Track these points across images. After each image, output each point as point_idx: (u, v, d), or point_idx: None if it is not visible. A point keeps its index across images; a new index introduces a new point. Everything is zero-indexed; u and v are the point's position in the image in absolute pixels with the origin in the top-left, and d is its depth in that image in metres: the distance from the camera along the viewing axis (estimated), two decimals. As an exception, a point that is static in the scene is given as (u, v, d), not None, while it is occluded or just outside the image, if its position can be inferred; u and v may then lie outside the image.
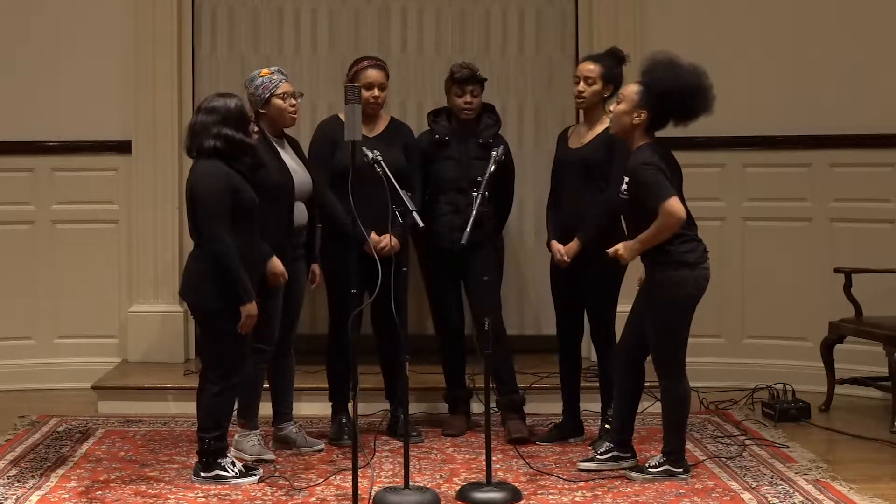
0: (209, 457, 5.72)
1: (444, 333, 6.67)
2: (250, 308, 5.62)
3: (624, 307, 6.20)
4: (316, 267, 6.36)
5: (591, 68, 6.27)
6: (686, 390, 5.79)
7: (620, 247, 5.76)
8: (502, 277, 6.66)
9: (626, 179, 5.75)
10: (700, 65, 5.72)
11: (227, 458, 5.75)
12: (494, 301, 6.35)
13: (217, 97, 5.79)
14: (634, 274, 6.06)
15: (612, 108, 5.86)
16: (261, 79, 6.17)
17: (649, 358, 5.87)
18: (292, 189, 6.09)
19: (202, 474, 5.73)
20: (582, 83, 6.26)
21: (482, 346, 5.76)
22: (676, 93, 5.66)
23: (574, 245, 6.22)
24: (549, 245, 6.35)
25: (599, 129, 6.25)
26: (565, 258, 6.22)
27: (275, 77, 6.18)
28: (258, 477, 5.75)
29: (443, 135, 6.56)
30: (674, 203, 5.61)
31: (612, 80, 6.24)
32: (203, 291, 5.66)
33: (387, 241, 6.19)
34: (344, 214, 6.07)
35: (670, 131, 5.99)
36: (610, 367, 6.21)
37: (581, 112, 6.53)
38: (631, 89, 5.78)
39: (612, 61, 6.28)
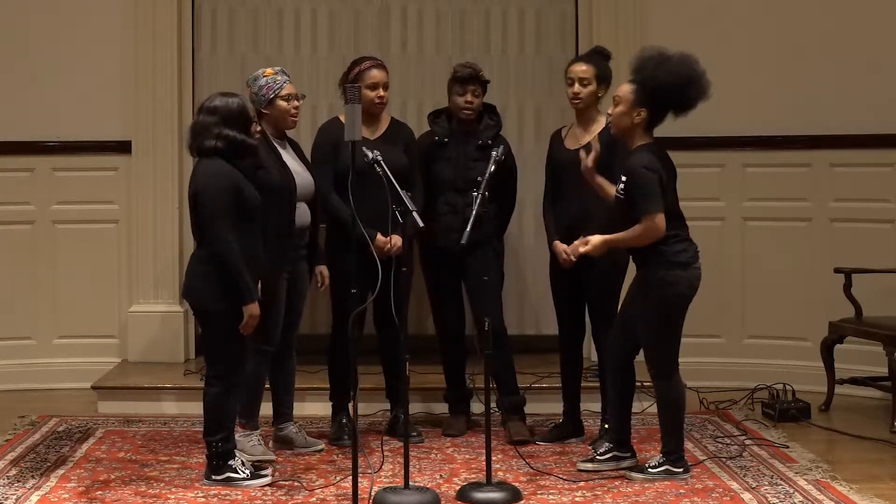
0: (218, 459, 5.70)
1: (443, 334, 6.67)
2: (252, 308, 5.61)
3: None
4: (323, 269, 6.36)
5: (584, 69, 6.28)
6: (681, 390, 5.78)
7: (596, 240, 5.74)
8: (503, 278, 6.66)
9: (624, 179, 5.75)
10: (690, 52, 5.71)
11: (237, 460, 5.74)
12: (494, 301, 6.35)
13: (219, 97, 5.74)
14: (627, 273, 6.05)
15: (609, 111, 5.85)
16: (265, 79, 6.16)
17: (640, 357, 5.86)
18: (294, 190, 6.08)
19: (213, 477, 5.71)
20: (577, 85, 6.26)
21: (482, 346, 5.76)
22: (671, 85, 5.66)
23: (577, 246, 6.21)
24: (550, 246, 6.35)
25: (596, 128, 6.26)
26: (571, 258, 6.19)
27: (279, 78, 6.17)
28: (270, 478, 5.74)
29: (442, 136, 6.57)
30: (660, 219, 5.63)
31: (605, 80, 6.26)
32: (205, 292, 5.64)
33: (392, 241, 6.17)
34: (348, 216, 6.07)
35: (670, 131, 5.99)
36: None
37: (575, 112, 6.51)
38: (626, 89, 5.76)
39: (602, 60, 6.29)
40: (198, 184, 5.64)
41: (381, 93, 6.40)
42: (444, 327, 6.66)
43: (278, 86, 6.15)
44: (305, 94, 6.45)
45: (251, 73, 6.33)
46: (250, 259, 5.62)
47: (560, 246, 6.27)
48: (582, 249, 5.80)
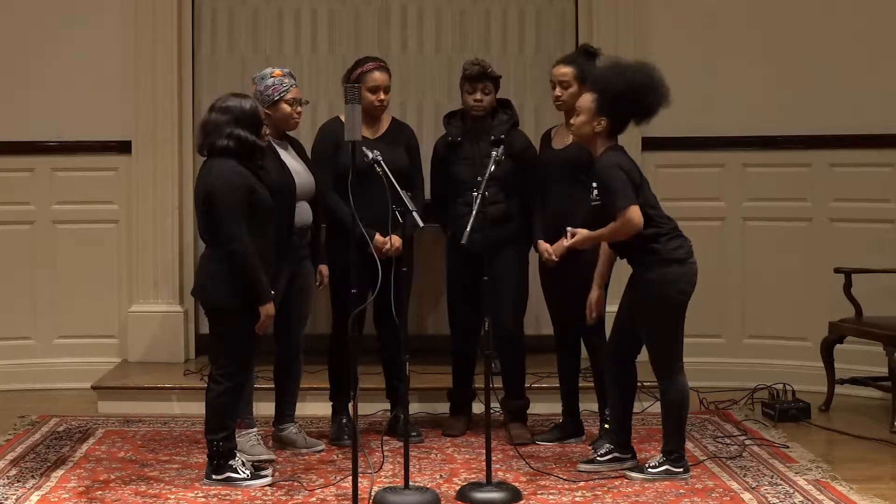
0: (219, 459, 5.69)
1: (455, 333, 6.64)
2: (269, 308, 5.61)
3: (612, 307, 6.20)
4: (323, 268, 6.36)
5: (564, 72, 6.27)
6: (684, 389, 5.78)
7: (583, 234, 5.77)
8: (526, 279, 6.61)
9: (595, 185, 5.76)
10: (647, 61, 5.74)
11: (238, 460, 5.73)
12: (506, 303, 6.34)
13: (232, 97, 5.72)
14: (623, 272, 6.03)
15: (571, 121, 5.87)
16: (272, 79, 6.16)
17: (642, 357, 5.86)
18: (293, 190, 6.08)
19: (213, 477, 5.70)
20: (558, 88, 6.26)
21: (482, 346, 5.75)
22: (629, 93, 5.68)
23: (562, 244, 6.20)
24: (535, 245, 6.35)
25: None
26: (553, 257, 6.20)
27: (286, 81, 6.17)
28: (270, 479, 5.74)
29: (455, 136, 6.55)
30: (634, 211, 5.63)
31: (588, 79, 6.22)
32: (218, 292, 5.63)
33: (391, 241, 6.17)
34: (348, 215, 6.06)
35: (670, 131, 6.00)
36: (602, 363, 6.22)
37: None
38: (586, 99, 5.81)
39: (585, 59, 6.27)
40: (210, 183, 5.62)
41: (382, 96, 6.39)
42: (456, 327, 6.63)
43: (285, 88, 6.15)
44: (309, 101, 6.43)
45: (254, 72, 6.33)
46: (262, 260, 5.62)
47: (542, 245, 6.27)
48: (567, 243, 5.82)
